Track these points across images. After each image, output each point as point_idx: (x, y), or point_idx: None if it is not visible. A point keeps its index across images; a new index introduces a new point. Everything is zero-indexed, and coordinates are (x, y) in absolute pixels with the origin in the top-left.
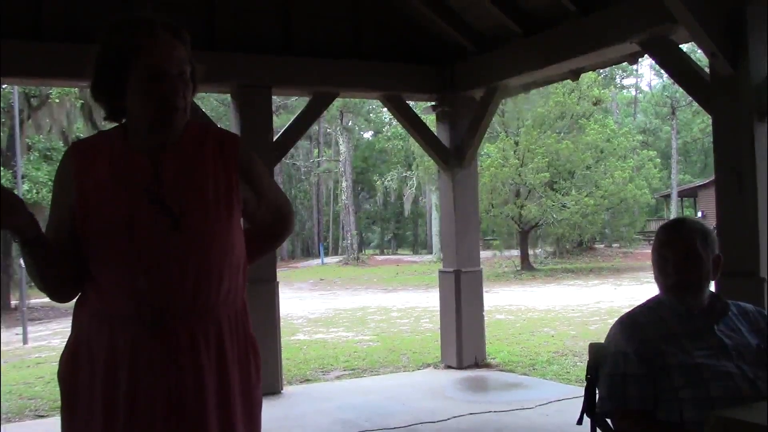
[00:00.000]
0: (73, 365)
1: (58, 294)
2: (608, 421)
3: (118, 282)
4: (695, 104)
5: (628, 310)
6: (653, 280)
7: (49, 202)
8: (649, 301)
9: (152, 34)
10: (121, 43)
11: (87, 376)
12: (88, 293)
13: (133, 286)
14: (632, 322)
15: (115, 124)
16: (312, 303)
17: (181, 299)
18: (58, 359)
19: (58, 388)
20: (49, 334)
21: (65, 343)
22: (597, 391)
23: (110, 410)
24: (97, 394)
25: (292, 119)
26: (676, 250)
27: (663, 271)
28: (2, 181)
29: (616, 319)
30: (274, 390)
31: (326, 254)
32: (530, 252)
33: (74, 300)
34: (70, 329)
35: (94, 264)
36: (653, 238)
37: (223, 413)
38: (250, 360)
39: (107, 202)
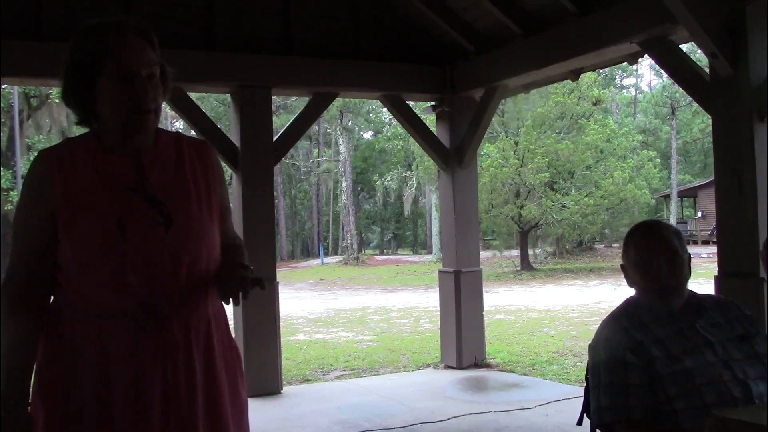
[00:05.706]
0: (57, 374)
1: None
2: None
3: (109, 280)
4: (695, 104)
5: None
6: None
7: None
8: (625, 304)
9: (122, 37)
10: (91, 46)
11: (75, 381)
12: (67, 298)
13: (126, 283)
14: (620, 328)
15: (86, 130)
16: (312, 303)
17: (175, 294)
18: None
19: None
20: None
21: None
22: (597, 399)
23: (105, 412)
24: (90, 395)
25: (292, 119)
26: (662, 253)
27: (647, 274)
28: (2, 181)
29: (600, 323)
30: (274, 390)
31: (326, 254)
32: (530, 252)
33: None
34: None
35: (80, 265)
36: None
37: (210, 411)
38: (234, 362)
39: (95, 202)
